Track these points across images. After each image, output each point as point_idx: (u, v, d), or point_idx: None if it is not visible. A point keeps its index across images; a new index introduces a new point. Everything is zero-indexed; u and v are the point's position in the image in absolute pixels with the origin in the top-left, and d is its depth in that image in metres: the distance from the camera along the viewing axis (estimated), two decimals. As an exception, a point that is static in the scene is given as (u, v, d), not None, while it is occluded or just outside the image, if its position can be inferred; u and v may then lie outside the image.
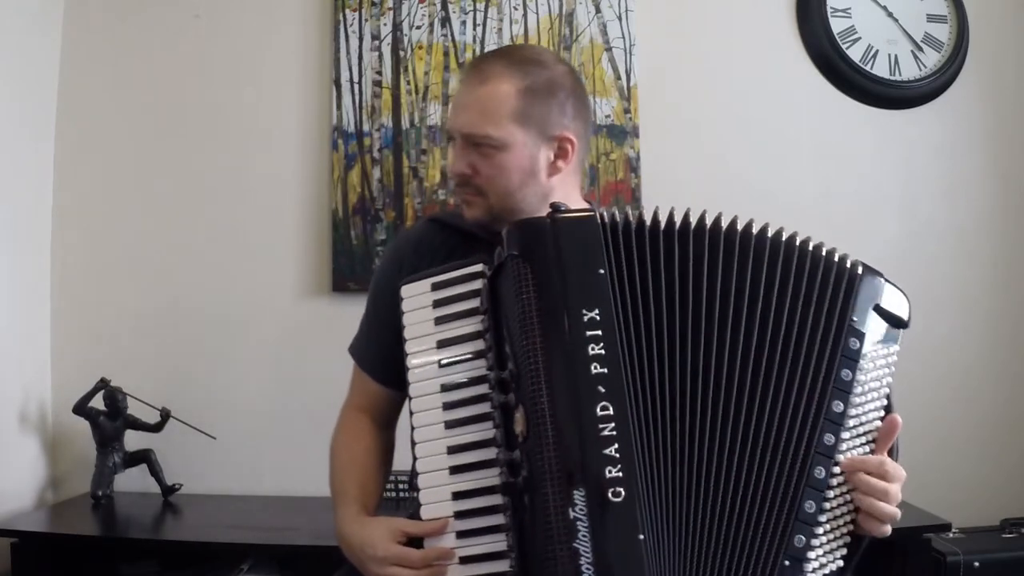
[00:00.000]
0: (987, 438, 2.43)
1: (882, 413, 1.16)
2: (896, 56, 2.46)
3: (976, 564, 1.99)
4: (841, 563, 1.09)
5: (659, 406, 1.07)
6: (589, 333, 1.05)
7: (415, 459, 1.16)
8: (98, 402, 2.25)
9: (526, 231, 1.12)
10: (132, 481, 2.31)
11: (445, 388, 1.16)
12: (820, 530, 1.07)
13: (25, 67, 2.35)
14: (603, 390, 1.03)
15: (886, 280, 1.19)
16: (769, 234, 1.16)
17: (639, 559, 0.99)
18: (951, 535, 2.07)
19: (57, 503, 2.31)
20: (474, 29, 2.43)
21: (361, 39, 2.43)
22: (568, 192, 1.35)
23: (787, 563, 1.05)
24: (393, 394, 1.40)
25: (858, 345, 1.12)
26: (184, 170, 2.46)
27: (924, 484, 2.28)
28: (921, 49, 2.46)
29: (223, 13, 2.48)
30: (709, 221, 1.15)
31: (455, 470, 1.13)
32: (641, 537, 1.00)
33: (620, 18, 2.43)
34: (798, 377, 1.10)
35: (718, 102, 2.46)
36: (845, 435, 1.10)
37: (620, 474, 1.01)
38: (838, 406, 1.10)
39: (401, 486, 2.10)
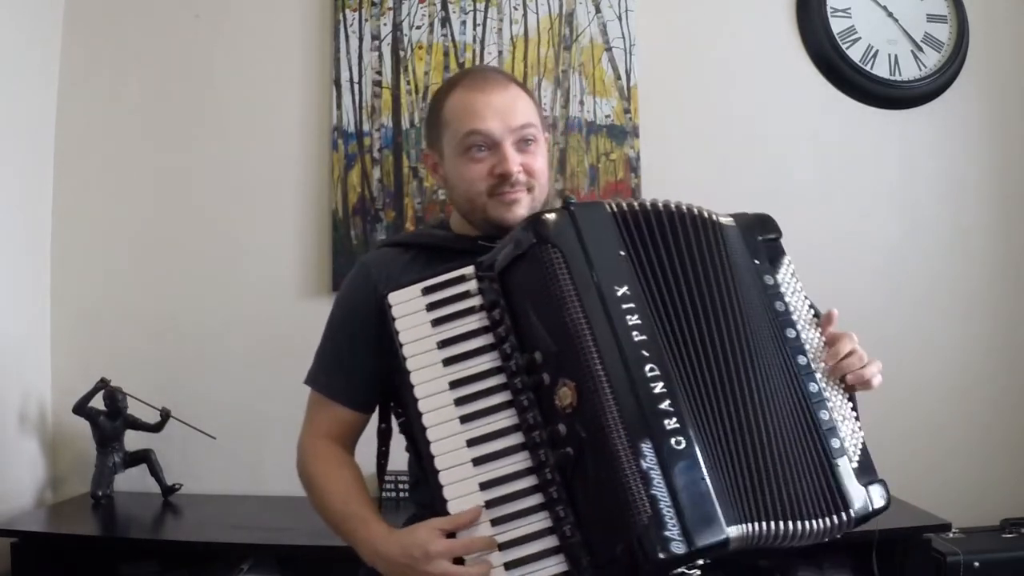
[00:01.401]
0: (987, 438, 2.43)
1: (811, 309, 1.30)
2: (896, 56, 2.46)
3: (976, 564, 1.99)
4: (860, 430, 1.24)
5: (689, 366, 1.17)
6: (624, 306, 1.15)
7: (432, 457, 1.17)
8: (98, 402, 2.25)
9: (547, 221, 1.19)
10: (132, 481, 2.31)
11: (454, 384, 1.19)
12: (831, 405, 1.22)
13: (25, 67, 2.35)
14: (647, 354, 1.13)
15: (749, 215, 1.32)
16: (694, 210, 1.27)
17: (709, 498, 1.08)
18: (951, 535, 2.07)
19: (57, 503, 2.31)
20: (474, 29, 2.43)
21: (361, 39, 2.43)
22: None
23: (836, 445, 1.18)
24: (363, 418, 1.41)
25: (772, 280, 1.27)
26: (184, 170, 2.46)
27: (924, 484, 2.29)
28: (921, 49, 2.46)
29: (223, 13, 2.48)
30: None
31: (478, 461, 1.15)
32: (705, 477, 1.09)
33: (620, 18, 2.43)
34: (765, 322, 1.24)
35: (718, 102, 2.46)
36: (807, 347, 1.25)
37: (677, 425, 1.10)
38: (791, 332, 1.24)
39: (401, 487, 2.10)
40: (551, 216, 1.19)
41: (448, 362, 1.20)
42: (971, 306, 2.45)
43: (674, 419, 1.10)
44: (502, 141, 1.32)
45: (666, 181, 2.38)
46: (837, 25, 2.45)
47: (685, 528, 1.05)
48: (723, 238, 1.25)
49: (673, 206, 1.25)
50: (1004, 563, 2.02)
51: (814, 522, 1.14)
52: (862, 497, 1.17)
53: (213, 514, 2.21)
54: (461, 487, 1.15)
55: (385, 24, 2.43)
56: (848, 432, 1.21)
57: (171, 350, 2.42)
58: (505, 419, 1.17)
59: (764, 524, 1.12)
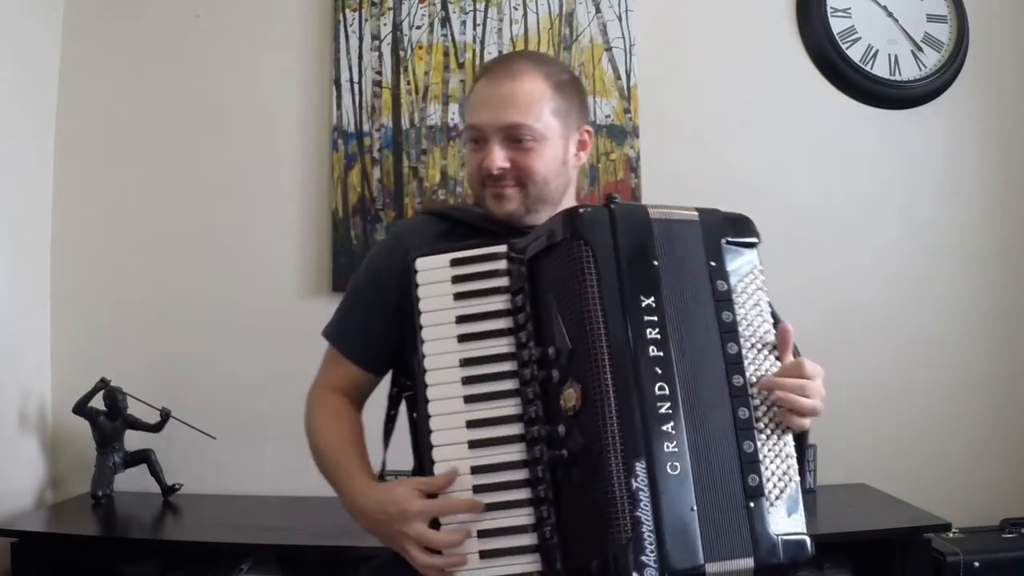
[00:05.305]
0: (987, 438, 2.43)
1: (770, 326, 1.21)
2: (896, 56, 2.46)
3: (976, 564, 1.99)
4: (793, 463, 1.15)
5: (685, 386, 1.13)
6: (647, 318, 1.13)
7: (429, 432, 1.17)
8: (98, 402, 2.25)
9: (586, 217, 1.16)
10: (132, 481, 2.31)
11: (465, 363, 1.18)
12: (761, 437, 1.14)
13: (25, 67, 2.35)
14: (659, 371, 1.11)
15: (722, 213, 1.24)
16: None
17: (694, 530, 1.06)
18: (951, 535, 2.07)
19: (57, 503, 2.31)
20: (474, 29, 2.43)
21: (361, 39, 2.43)
22: (575, 184, 1.41)
23: (751, 507, 1.10)
24: (372, 378, 1.43)
25: (726, 286, 1.19)
26: (184, 170, 2.46)
27: (924, 484, 2.29)
28: (921, 49, 2.46)
29: (223, 13, 2.48)
30: None
31: (475, 444, 1.15)
32: (693, 509, 1.06)
33: (620, 18, 2.43)
34: (712, 334, 1.17)
35: (718, 102, 2.46)
36: (751, 369, 1.16)
37: (676, 449, 1.08)
38: (732, 348, 1.16)
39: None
40: (590, 212, 1.17)
41: (463, 339, 1.19)
42: (971, 305, 2.45)
43: (674, 443, 1.08)
44: (489, 138, 1.30)
45: (666, 181, 2.38)
46: (837, 25, 2.45)
47: (663, 555, 1.04)
48: (694, 239, 1.20)
49: (694, 213, 1.21)
50: (1004, 563, 2.02)
51: (734, 563, 1.07)
52: (770, 544, 1.08)
53: (213, 514, 2.21)
54: (452, 467, 1.15)
55: (385, 24, 2.43)
56: (775, 471, 1.13)
57: (171, 350, 2.42)
58: (509, 407, 1.16)
59: (736, 562, 1.07)
